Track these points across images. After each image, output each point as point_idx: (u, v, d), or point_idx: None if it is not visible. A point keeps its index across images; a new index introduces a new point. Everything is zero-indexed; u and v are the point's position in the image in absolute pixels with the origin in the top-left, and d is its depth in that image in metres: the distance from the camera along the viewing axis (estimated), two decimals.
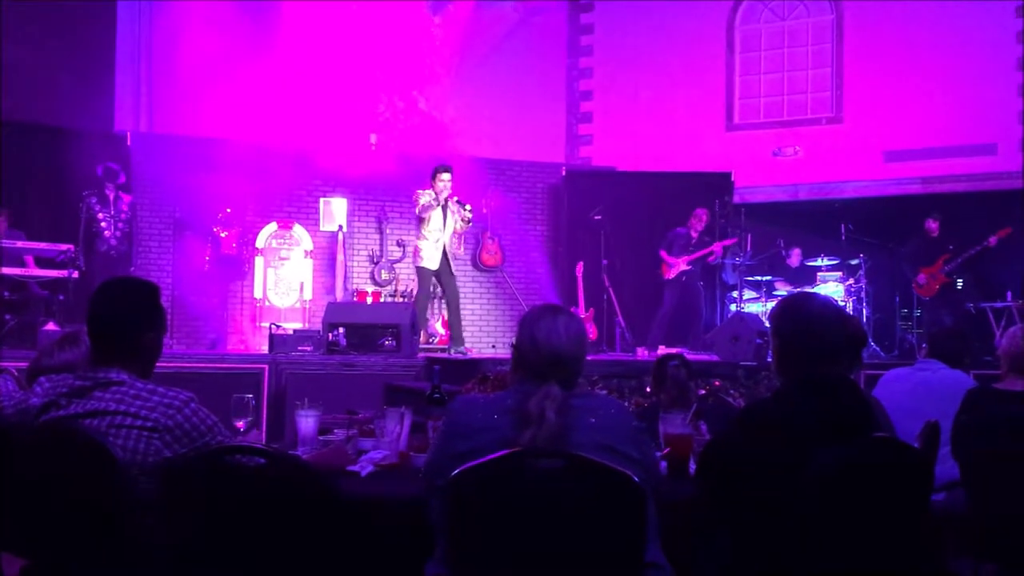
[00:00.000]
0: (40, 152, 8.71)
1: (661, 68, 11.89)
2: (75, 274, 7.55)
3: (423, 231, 7.91)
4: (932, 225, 9.31)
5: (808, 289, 9.00)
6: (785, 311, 2.44)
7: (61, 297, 7.63)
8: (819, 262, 9.79)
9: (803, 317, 2.37)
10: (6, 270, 7.51)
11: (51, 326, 6.87)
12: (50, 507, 2.23)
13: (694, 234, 9.43)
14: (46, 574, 2.30)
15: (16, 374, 2.77)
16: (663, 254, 9.39)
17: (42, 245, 7.76)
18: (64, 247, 7.61)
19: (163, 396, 2.30)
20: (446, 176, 7.85)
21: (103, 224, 8.24)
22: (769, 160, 11.58)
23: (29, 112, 9.13)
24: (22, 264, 7.69)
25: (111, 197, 8.30)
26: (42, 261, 7.75)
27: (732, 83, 11.98)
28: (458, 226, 8.01)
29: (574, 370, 2.29)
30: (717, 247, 9.39)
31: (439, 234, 7.87)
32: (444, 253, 7.93)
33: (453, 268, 8.11)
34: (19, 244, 7.66)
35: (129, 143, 9.55)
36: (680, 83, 11.86)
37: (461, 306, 8.41)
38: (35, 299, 7.75)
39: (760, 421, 2.29)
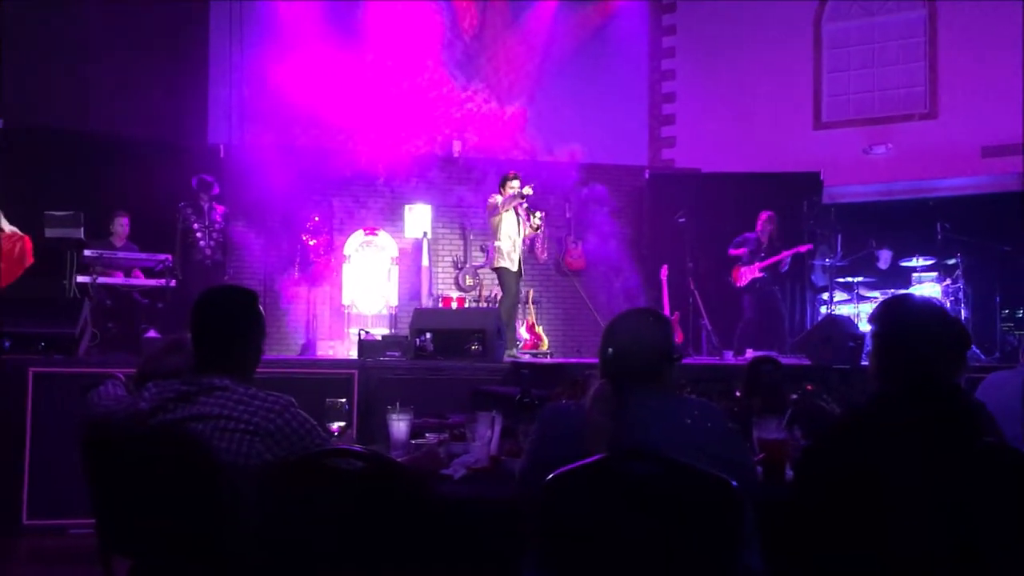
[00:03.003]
0: (137, 165, 9.00)
1: (745, 67, 11.69)
2: (173, 283, 7.83)
3: (499, 234, 8.10)
4: None
5: (900, 291, 8.70)
6: (887, 312, 2.37)
7: (160, 305, 7.93)
8: (914, 262, 9.44)
9: (905, 318, 2.30)
10: (116, 280, 7.86)
11: (152, 333, 7.13)
12: (157, 508, 2.31)
13: (764, 239, 9.10)
14: (153, 574, 2.39)
15: (123, 379, 2.87)
16: (733, 252, 9.15)
17: (142, 255, 8.08)
18: (162, 257, 7.91)
19: (264, 400, 2.37)
20: (515, 183, 8.06)
21: (198, 235, 8.52)
22: (860, 158, 11.29)
23: (126, 125, 9.50)
24: (131, 275, 8.02)
25: (205, 208, 8.57)
26: (143, 270, 8.07)
27: (820, 80, 11.72)
28: (527, 231, 8.33)
29: (648, 369, 2.27)
30: (786, 255, 9.02)
31: (516, 237, 8.11)
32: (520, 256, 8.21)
33: (523, 272, 8.46)
34: (121, 255, 7.99)
35: (222, 155, 9.85)
36: (765, 82, 11.66)
37: (546, 310, 8.50)
38: (135, 307, 8.06)
39: (861, 427, 2.23)
